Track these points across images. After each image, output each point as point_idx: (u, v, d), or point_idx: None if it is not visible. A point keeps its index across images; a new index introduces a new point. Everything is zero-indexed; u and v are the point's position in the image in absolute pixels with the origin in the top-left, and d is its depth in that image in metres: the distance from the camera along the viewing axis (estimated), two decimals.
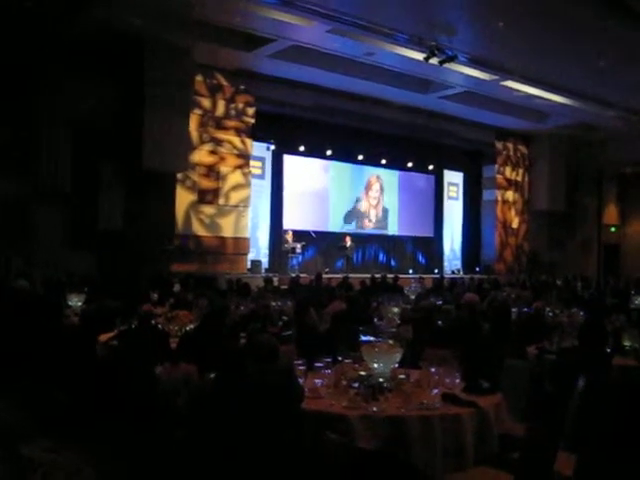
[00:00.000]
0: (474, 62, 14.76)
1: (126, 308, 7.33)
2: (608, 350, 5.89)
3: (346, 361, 4.60)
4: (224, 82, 16.18)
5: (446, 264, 22.71)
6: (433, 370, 4.40)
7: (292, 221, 18.58)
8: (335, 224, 20.17)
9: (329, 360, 4.60)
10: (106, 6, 11.97)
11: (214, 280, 13.39)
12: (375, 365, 4.12)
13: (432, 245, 22.63)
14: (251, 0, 12.07)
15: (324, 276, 14.99)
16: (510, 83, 16.40)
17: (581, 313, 9.65)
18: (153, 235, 14.47)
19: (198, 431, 3.69)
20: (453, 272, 21.81)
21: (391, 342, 4.62)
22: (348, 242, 18.47)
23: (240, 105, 16.50)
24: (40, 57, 12.88)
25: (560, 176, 23.30)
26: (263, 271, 17.00)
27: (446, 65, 13.83)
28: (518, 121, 20.51)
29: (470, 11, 12.52)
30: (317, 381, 4.25)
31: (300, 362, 4.47)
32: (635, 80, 15.30)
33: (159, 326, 6.69)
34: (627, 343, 6.45)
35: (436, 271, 20.84)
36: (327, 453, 3.45)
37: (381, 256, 21.39)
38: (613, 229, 25.87)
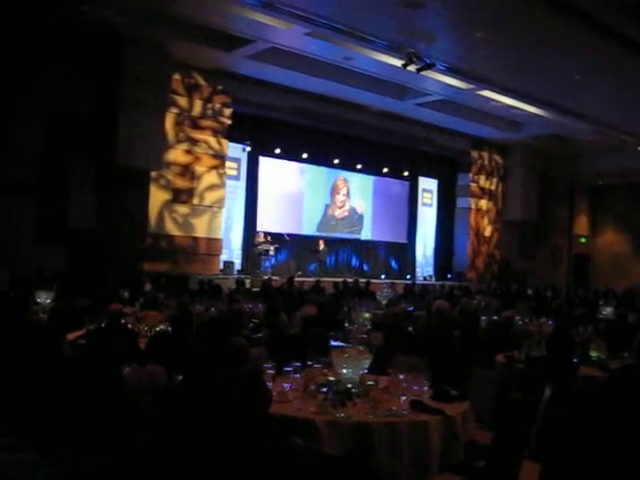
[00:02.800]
0: (451, 71, 14.86)
1: (95, 307, 7.26)
2: (575, 360, 5.95)
3: (315, 366, 4.59)
4: (202, 82, 16.10)
5: (418, 270, 22.79)
6: (401, 377, 4.40)
7: (266, 223, 18.52)
8: (309, 227, 20.16)
9: (298, 364, 4.59)
10: (85, 1, 11.85)
11: (186, 280, 13.32)
12: (344, 371, 4.11)
13: (405, 251, 22.71)
14: (231, 0, 12.01)
15: (296, 279, 14.99)
16: (486, 93, 16.53)
17: (550, 323, 9.76)
18: (125, 233, 14.36)
19: (164, 433, 3.66)
20: (425, 278, 21.91)
21: (361, 348, 4.62)
22: (321, 246, 18.48)
23: (217, 105, 16.43)
24: (15, 50, 12.71)
25: (533, 186, 23.59)
26: (235, 273, 16.94)
27: (423, 73, 13.88)
28: (493, 130, 20.68)
29: (449, 20, 12.59)
30: (286, 385, 4.24)
31: (269, 366, 4.45)
32: (607, 94, 15.51)
33: (128, 326, 6.64)
34: (594, 354, 6.50)
35: (408, 277, 20.95)
36: (293, 458, 3.43)
37: (354, 260, 21.44)
38: (583, 240, 26.22)
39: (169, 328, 6.13)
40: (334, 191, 20.99)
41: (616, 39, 12.07)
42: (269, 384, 4.09)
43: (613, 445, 3.77)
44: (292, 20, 12.43)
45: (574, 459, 3.73)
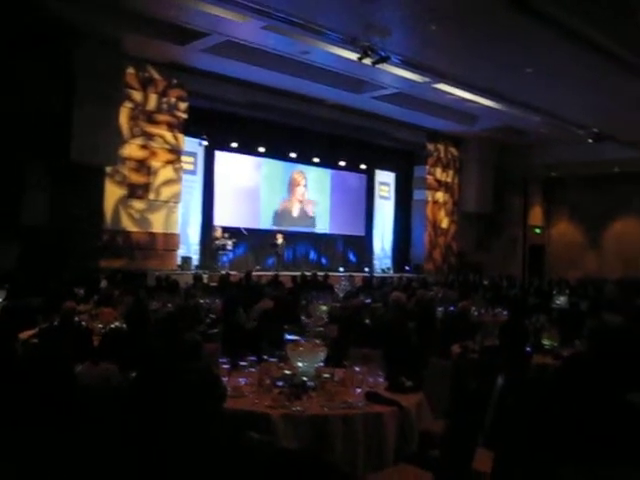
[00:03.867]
0: (407, 64, 14.91)
1: (48, 305, 7.16)
2: (528, 349, 6.05)
3: (271, 360, 4.60)
4: (156, 75, 15.90)
5: (376, 263, 22.92)
6: (357, 369, 4.44)
7: (223, 218, 18.46)
8: (266, 221, 20.13)
9: (254, 359, 4.59)
10: None
11: (143, 276, 13.20)
12: (299, 364, 4.13)
13: (363, 244, 22.82)
14: None
15: (255, 274, 14.96)
16: (442, 86, 16.65)
17: (505, 312, 9.93)
18: (80, 230, 14.14)
19: (118, 431, 3.63)
20: (383, 271, 22.04)
21: (317, 341, 4.64)
22: (279, 240, 18.47)
23: (172, 99, 16.26)
24: None
25: (488, 178, 23.86)
26: (193, 268, 16.83)
27: (379, 66, 13.92)
28: (449, 123, 20.85)
29: (404, 14, 12.62)
30: (241, 380, 4.25)
31: (225, 360, 4.45)
32: (558, 87, 15.77)
33: (82, 323, 6.56)
34: (546, 342, 6.64)
35: (366, 270, 21.04)
36: (249, 453, 3.44)
37: (312, 254, 21.46)
38: (538, 230, 26.67)
39: (124, 325, 6.08)
40: (291, 185, 20.99)
41: (567, 34, 12.25)
42: (224, 379, 4.08)
43: (564, 431, 3.86)
44: (248, 13, 12.35)
45: (526, 446, 3.81)
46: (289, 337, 4.61)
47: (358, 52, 13.39)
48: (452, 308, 9.78)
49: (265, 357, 4.66)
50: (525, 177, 25.72)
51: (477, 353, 6.20)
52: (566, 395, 4.07)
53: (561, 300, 11.90)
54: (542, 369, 5.83)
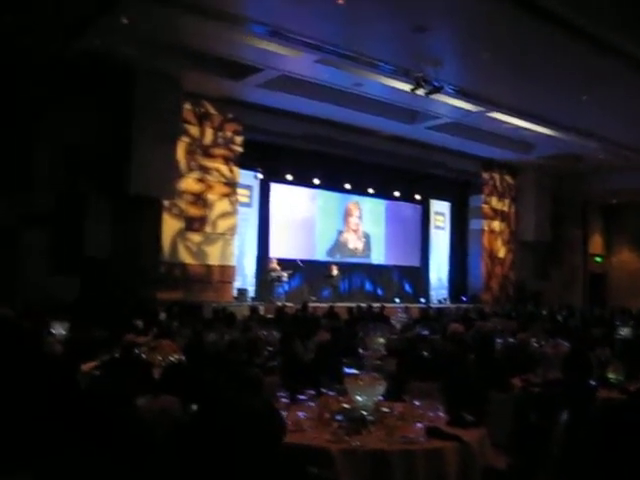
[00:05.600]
0: (460, 93, 14.92)
1: (109, 337, 7.27)
2: (593, 383, 5.88)
3: (330, 393, 4.56)
4: (212, 110, 16.25)
5: (433, 293, 22.73)
6: (417, 403, 4.37)
7: (279, 249, 18.59)
8: (321, 253, 20.19)
9: (313, 392, 4.56)
10: (96, 33, 12.03)
11: (199, 309, 13.32)
12: (358, 398, 4.09)
13: (419, 274, 22.68)
14: (239, 30, 12.15)
15: (310, 305, 14.96)
16: (496, 114, 16.57)
17: (566, 344, 9.66)
18: (139, 262, 14.42)
19: (179, 466, 3.64)
20: (440, 301, 21.82)
21: (375, 374, 4.59)
22: (334, 271, 18.47)
23: (228, 133, 16.56)
24: (28, 81, 12.90)
25: (546, 207, 23.50)
26: (249, 300, 16.95)
27: (433, 96, 13.95)
28: (504, 152, 20.69)
29: (455, 43, 12.67)
30: (300, 414, 4.21)
31: (283, 394, 4.43)
32: (615, 113, 15.51)
33: (142, 356, 6.63)
34: (612, 376, 6.43)
35: (422, 300, 20.87)
36: None
37: (367, 285, 21.40)
38: (598, 259, 26.08)
39: (183, 357, 6.13)
40: (346, 216, 21.04)
41: (623, 58, 12.09)
42: (284, 413, 4.06)
43: (633, 467, 3.72)
44: (301, 48, 12.56)
45: None
46: (348, 370, 4.57)
47: (411, 83, 13.44)
48: (511, 339, 9.57)
49: (324, 390, 4.63)
50: (584, 205, 25.25)
51: (539, 386, 6.04)
52: (634, 431, 3.93)
53: (625, 331, 11.53)
54: (608, 404, 5.64)
